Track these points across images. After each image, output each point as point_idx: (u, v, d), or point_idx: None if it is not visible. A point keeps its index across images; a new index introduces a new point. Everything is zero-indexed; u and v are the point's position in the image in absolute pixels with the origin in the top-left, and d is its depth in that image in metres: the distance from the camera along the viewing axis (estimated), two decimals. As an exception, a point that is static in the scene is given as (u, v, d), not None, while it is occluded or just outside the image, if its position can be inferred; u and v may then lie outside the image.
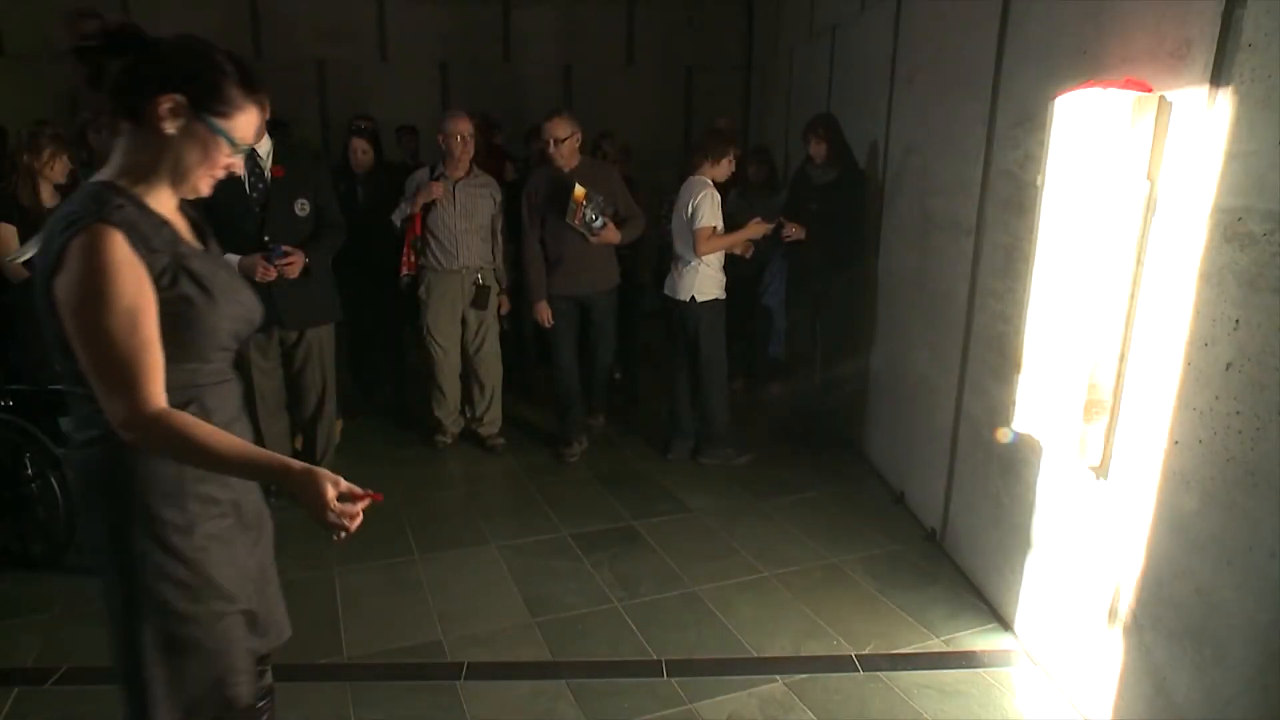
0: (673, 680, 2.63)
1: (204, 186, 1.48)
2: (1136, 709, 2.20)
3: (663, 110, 7.22)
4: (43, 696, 2.53)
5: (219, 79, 1.42)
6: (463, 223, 4.19)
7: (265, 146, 3.51)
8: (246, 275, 3.38)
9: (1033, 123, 2.69)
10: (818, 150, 4.25)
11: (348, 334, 4.62)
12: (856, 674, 2.67)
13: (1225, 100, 1.87)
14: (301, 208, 3.55)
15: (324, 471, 1.36)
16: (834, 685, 2.62)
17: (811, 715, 2.47)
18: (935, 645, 2.83)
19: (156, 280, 1.36)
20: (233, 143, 1.45)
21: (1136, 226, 2.12)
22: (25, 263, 3.21)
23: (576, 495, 4.01)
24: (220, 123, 1.42)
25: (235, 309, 1.52)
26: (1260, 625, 1.78)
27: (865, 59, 4.51)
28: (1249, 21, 1.82)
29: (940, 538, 3.47)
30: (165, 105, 1.37)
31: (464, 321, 4.36)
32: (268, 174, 3.48)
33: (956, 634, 2.88)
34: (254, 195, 3.47)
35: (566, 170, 4.06)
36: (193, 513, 1.46)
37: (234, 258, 3.40)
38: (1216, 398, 1.89)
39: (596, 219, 4.04)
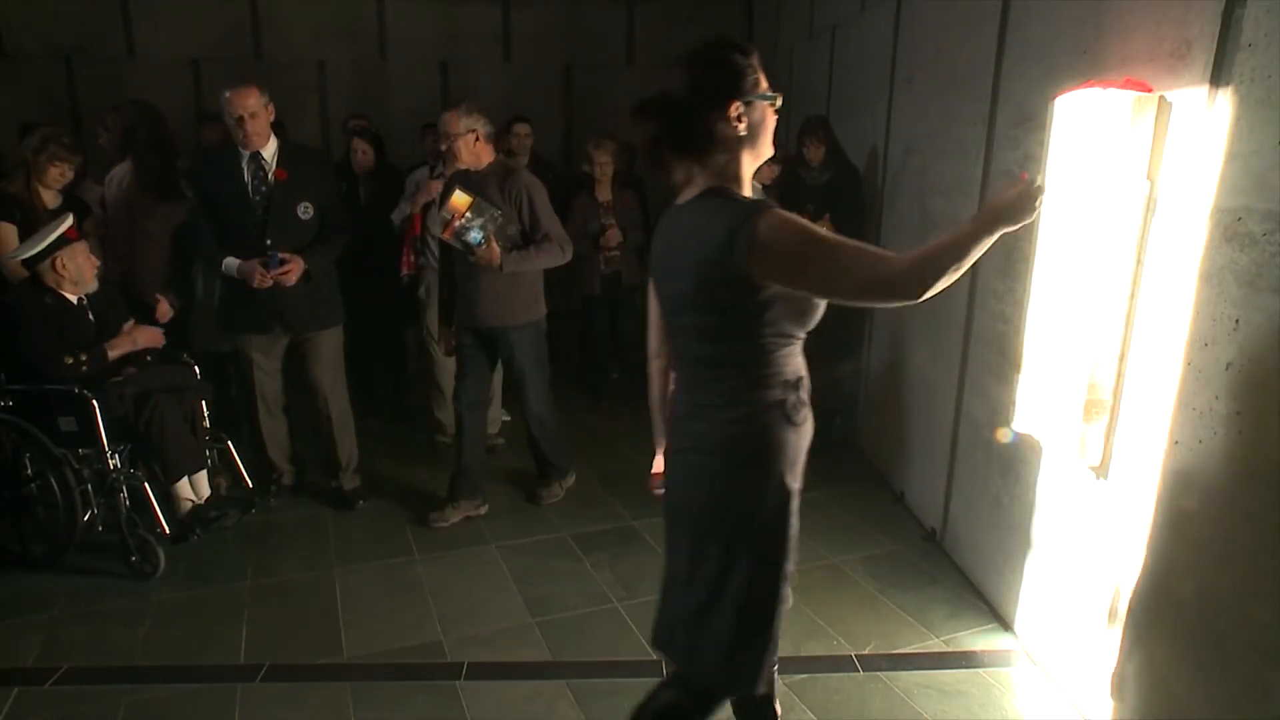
0: (673, 680, 2.63)
1: (770, 148, 1.66)
2: (1136, 709, 2.20)
3: (663, 110, 7.21)
4: (43, 696, 2.53)
5: (739, 62, 1.57)
6: (463, 223, 4.19)
7: (270, 149, 3.45)
8: (245, 281, 3.40)
9: (1033, 123, 2.69)
10: (815, 153, 4.25)
11: (348, 334, 4.62)
12: (856, 674, 2.67)
13: (1225, 100, 1.87)
14: (304, 211, 3.50)
15: (997, 199, 1.54)
16: (834, 685, 2.62)
17: (811, 715, 2.47)
18: (935, 645, 2.83)
19: None
20: (773, 98, 1.61)
21: (1136, 226, 2.13)
22: (25, 262, 3.20)
23: (576, 495, 4.01)
24: (761, 90, 1.59)
25: None
26: (1260, 625, 1.78)
27: (865, 59, 4.51)
28: (1249, 21, 1.82)
29: (940, 538, 3.47)
30: (733, 115, 1.56)
31: (464, 321, 4.36)
32: (271, 177, 3.45)
33: (956, 634, 2.88)
34: (256, 199, 3.43)
35: (474, 172, 3.49)
36: (796, 484, 1.68)
37: (234, 261, 3.43)
38: (1216, 398, 1.89)
39: (475, 233, 3.34)
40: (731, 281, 1.52)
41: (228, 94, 3.34)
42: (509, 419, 4.81)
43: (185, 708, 2.50)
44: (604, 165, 4.82)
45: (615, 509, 3.86)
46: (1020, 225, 1.54)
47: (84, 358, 3.21)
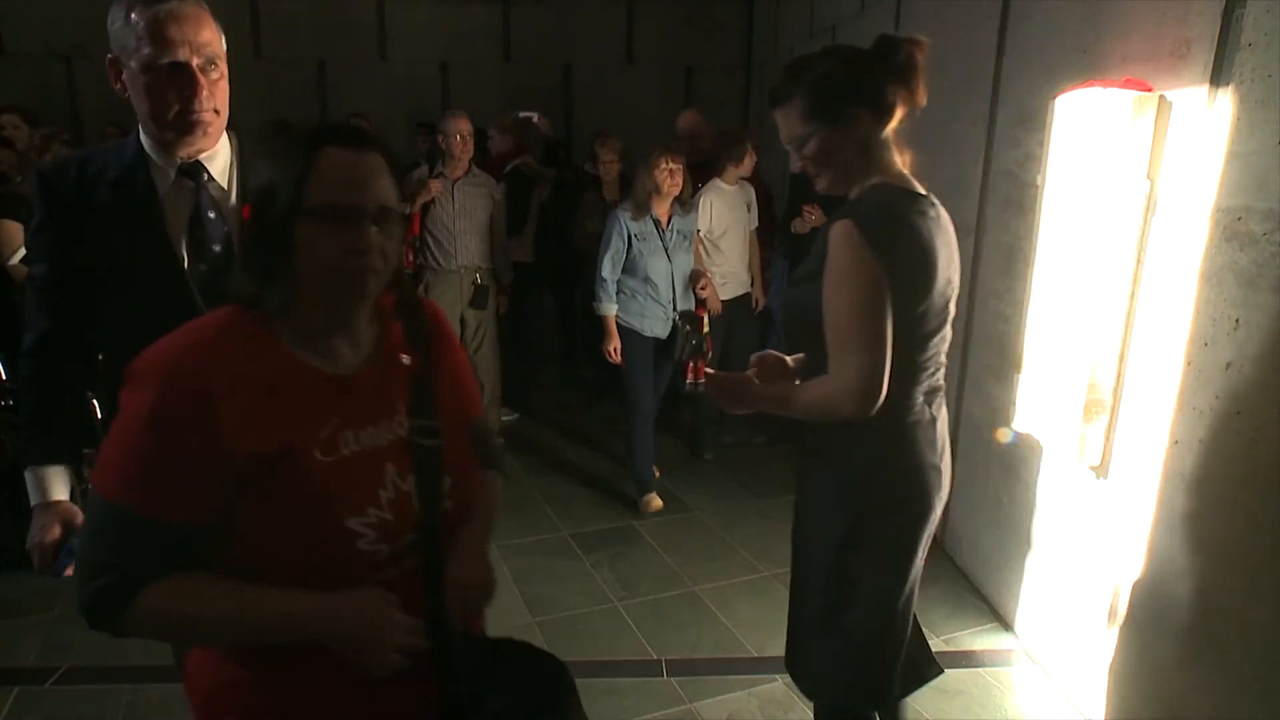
0: (673, 680, 2.63)
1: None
2: (1136, 709, 2.20)
3: (663, 110, 7.21)
4: (43, 696, 2.53)
5: None
6: (461, 222, 4.19)
7: (222, 158, 1.57)
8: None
9: (1033, 122, 2.69)
10: None
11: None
12: (856, 674, 2.66)
13: (1225, 100, 1.87)
14: None
15: None
16: (834, 685, 2.61)
17: (811, 715, 2.47)
18: (935, 645, 2.82)
19: None
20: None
21: (1136, 226, 2.12)
22: (25, 261, 3.21)
23: (576, 495, 4.01)
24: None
25: None
26: (1260, 625, 1.78)
27: (865, 59, 4.49)
28: (1249, 21, 1.82)
29: (940, 538, 3.47)
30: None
31: (463, 321, 4.36)
32: (227, 221, 1.56)
33: (956, 634, 2.88)
34: (200, 267, 1.53)
35: None
36: None
37: (46, 480, 1.55)
38: (1216, 398, 1.89)
39: None
40: None
41: (141, 9, 1.42)
42: (510, 418, 4.81)
43: (185, 708, 2.50)
44: (609, 164, 4.81)
45: (615, 509, 3.86)
46: None
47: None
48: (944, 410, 1.72)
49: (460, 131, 4.09)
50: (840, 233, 1.51)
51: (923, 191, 1.62)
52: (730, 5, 7.12)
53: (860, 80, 1.58)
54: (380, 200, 1.08)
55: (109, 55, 1.46)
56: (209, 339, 1.08)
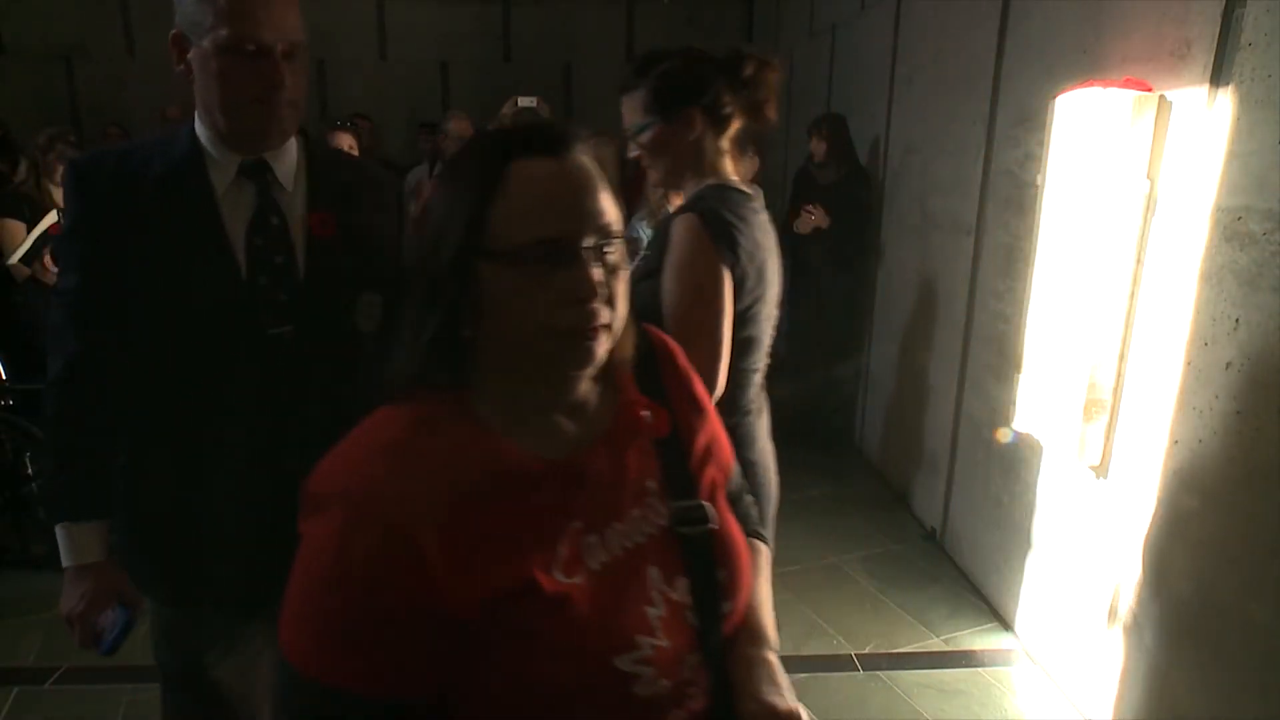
0: (673, 680, 2.63)
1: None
2: (1136, 709, 2.20)
3: (663, 110, 7.24)
4: (43, 696, 2.52)
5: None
6: (462, 223, 4.19)
7: (289, 158, 1.38)
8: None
9: (1033, 122, 2.69)
10: (818, 149, 4.27)
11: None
12: (856, 673, 2.67)
13: (1225, 100, 1.87)
14: (370, 312, 1.39)
15: None
16: (834, 685, 2.61)
17: (811, 715, 2.47)
18: (935, 645, 2.83)
19: None
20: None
21: (1136, 226, 2.13)
22: (25, 260, 3.22)
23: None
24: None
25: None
26: (1260, 625, 1.78)
27: (865, 59, 4.51)
28: (1249, 21, 1.82)
29: (940, 537, 3.47)
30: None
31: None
32: (291, 230, 1.36)
33: (956, 633, 2.88)
34: (260, 279, 1.32)
35: None
36: None
37: (72, 536, 1.34)
38: (1216, 397, 1.89)
39: None
40: None
41: None
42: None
43: (185, 707, 2.50)
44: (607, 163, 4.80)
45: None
46: None
47: None
48: (766, 401, 1.76)
49: (460, 133, 4.11)
50: (683, 226, 1.52)
51: (751, 193, 1.64)
52: (730, 5, 7.13)
53: (699, 84, 1.59)
54: (598, 223, 0.77)
55: (173, 31, 1.28)
56: (397, 444, 0.77)
